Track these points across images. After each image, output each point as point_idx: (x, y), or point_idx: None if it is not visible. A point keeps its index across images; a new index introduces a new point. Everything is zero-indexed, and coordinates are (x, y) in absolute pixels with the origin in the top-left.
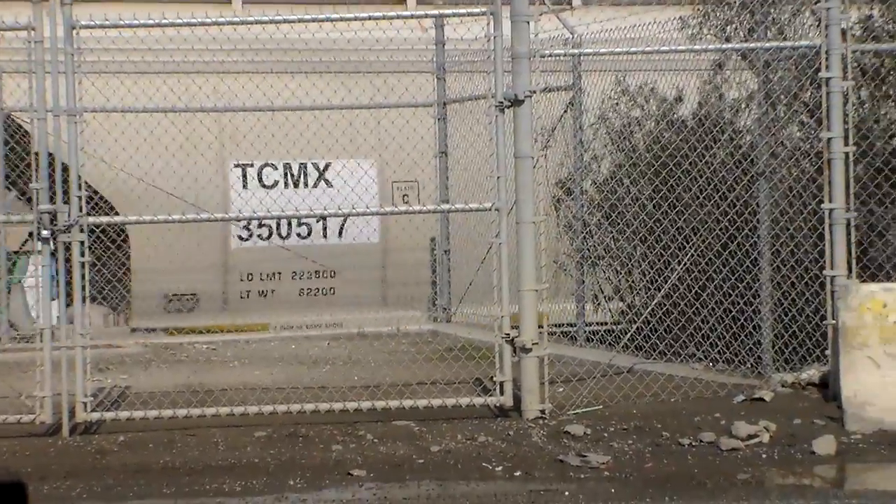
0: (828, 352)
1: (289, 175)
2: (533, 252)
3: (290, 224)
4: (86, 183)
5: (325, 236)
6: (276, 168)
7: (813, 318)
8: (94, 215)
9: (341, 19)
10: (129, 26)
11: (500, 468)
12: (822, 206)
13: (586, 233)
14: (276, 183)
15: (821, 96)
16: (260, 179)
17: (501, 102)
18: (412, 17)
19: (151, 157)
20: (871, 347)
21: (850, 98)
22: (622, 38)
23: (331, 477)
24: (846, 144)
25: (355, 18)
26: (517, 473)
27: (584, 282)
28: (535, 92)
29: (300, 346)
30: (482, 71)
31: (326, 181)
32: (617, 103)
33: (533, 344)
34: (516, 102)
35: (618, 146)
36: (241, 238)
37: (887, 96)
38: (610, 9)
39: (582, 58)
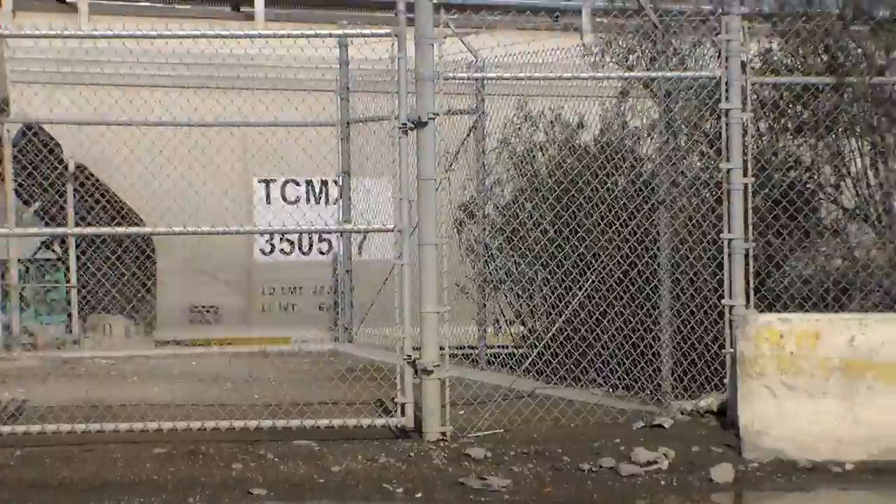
0: (726, 380)
1: (311, 192)
2: (435, 274)
3: (311, 239)
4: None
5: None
6: (298, 184)
7: (712, 347)
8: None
9: (245, 36)
10: (59, 37)
11: (400, 489)
12: (722, 235)
13: (488, 256)
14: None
15: (721, 127)
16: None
17: (405, 124)
18: (316, 35)
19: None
20: (768, 377)
21: (749, 130)
22: (526, 63)
23: (231, 495)
24: (745, 176)
25: (259, 36)
26: (418, 495)
27: (485, 305)
28: (438, 114)
29: (200, 362)
30: (386, 91)
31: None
32: (519, 128)
33: (434, 366)
34: (420, 124)
35: (520, 171)
36: (263, 252)
37: (786, 129)
38: (514, 33)
39: (486, 82)
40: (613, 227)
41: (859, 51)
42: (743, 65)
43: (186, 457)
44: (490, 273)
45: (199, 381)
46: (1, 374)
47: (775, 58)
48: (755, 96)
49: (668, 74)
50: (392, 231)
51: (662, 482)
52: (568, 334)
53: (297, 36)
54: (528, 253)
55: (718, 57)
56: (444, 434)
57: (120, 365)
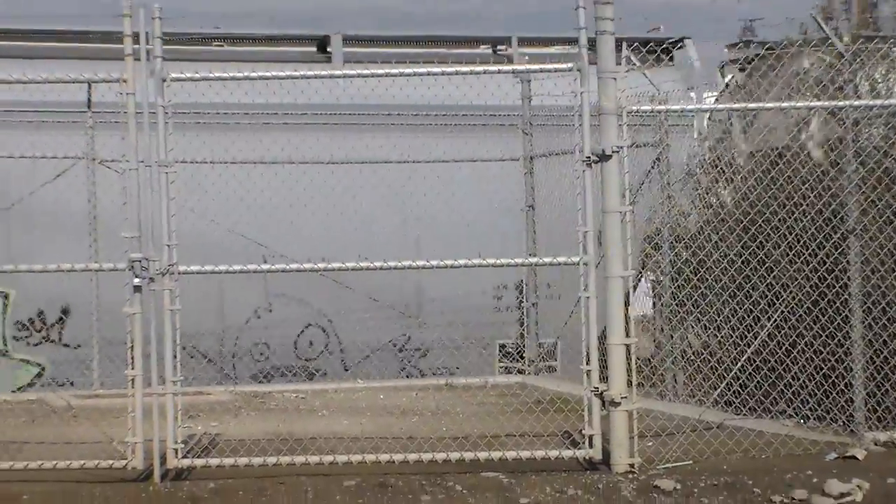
0: None
1: None
2: (621, 306)
3: None
4: None
5: None
6: None
7: None
8: None
9: (427, 74)
10: (218, 79)
11: None
12: None
13: (675, 288)
14: None
15: None
16: None
17: (588, 157)
18: (499, 72)
19: None
20: None
21: None
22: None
23: None
24: None
25: (442, 73)
26: None
27: (672, 336)
28: (622, 148)
29: (388, 396)
30: (569, 125)
31: None
32: (704, 159)
33: (622, 397)
34: (604, 157)
35: (705, 202)
36: None
37: None
38: None
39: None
40: (802, 257)
41: None
42: None
43: (376, 489)
44: (677, 304)
45: (387, 415)
46: (194, 409)
47: None
48: None
49: (856, 103)
50: (578, 264)
51: None
52: (757, 365)
53: (480, 73)
54: (714, 284)
55: None
56: (632, 466)
57: (309, 399)
